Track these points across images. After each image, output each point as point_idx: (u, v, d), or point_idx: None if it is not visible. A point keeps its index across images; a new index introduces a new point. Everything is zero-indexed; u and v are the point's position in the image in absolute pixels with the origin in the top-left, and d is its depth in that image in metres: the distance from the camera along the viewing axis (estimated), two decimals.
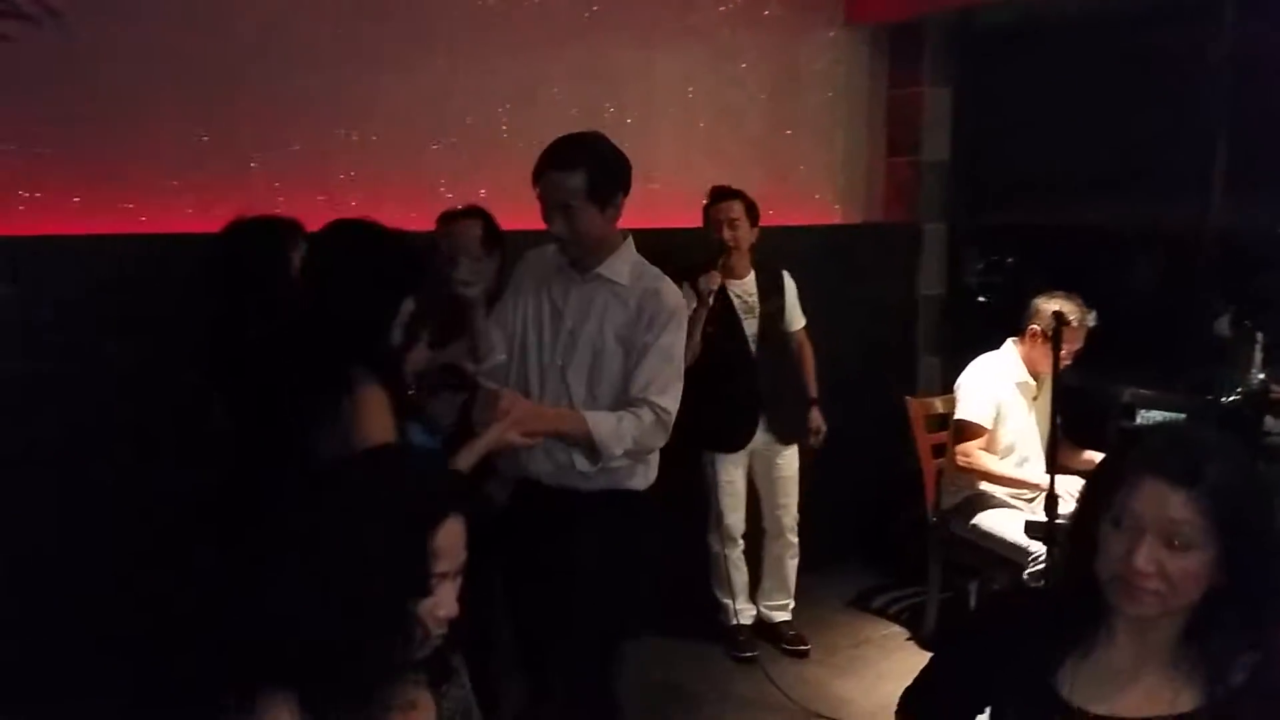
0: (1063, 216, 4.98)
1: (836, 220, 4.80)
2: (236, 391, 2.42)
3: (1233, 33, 4.01)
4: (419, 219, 3.36)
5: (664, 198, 4.04)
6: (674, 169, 4.10)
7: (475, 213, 3.08)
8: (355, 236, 2.13)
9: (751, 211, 3.71)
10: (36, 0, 2.34)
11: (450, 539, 1.34)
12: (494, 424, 2.17)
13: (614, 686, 2.59)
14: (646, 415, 2.35)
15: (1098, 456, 3.58)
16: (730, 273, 3.68)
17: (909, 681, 1.72)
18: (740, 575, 3.91)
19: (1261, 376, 4.42)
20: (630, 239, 2.52)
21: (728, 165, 4.21)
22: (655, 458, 2.55)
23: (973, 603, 4.01)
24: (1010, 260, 5.23)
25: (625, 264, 2.47)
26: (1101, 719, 1.39)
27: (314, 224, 3.02)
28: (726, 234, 3.64)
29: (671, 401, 2.39)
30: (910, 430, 4.01)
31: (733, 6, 4.29)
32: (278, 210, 3.03)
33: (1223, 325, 4.38)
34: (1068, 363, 3.53)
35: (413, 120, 3.41)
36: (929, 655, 1.79)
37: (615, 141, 2.44)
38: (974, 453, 3.68)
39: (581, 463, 2.37)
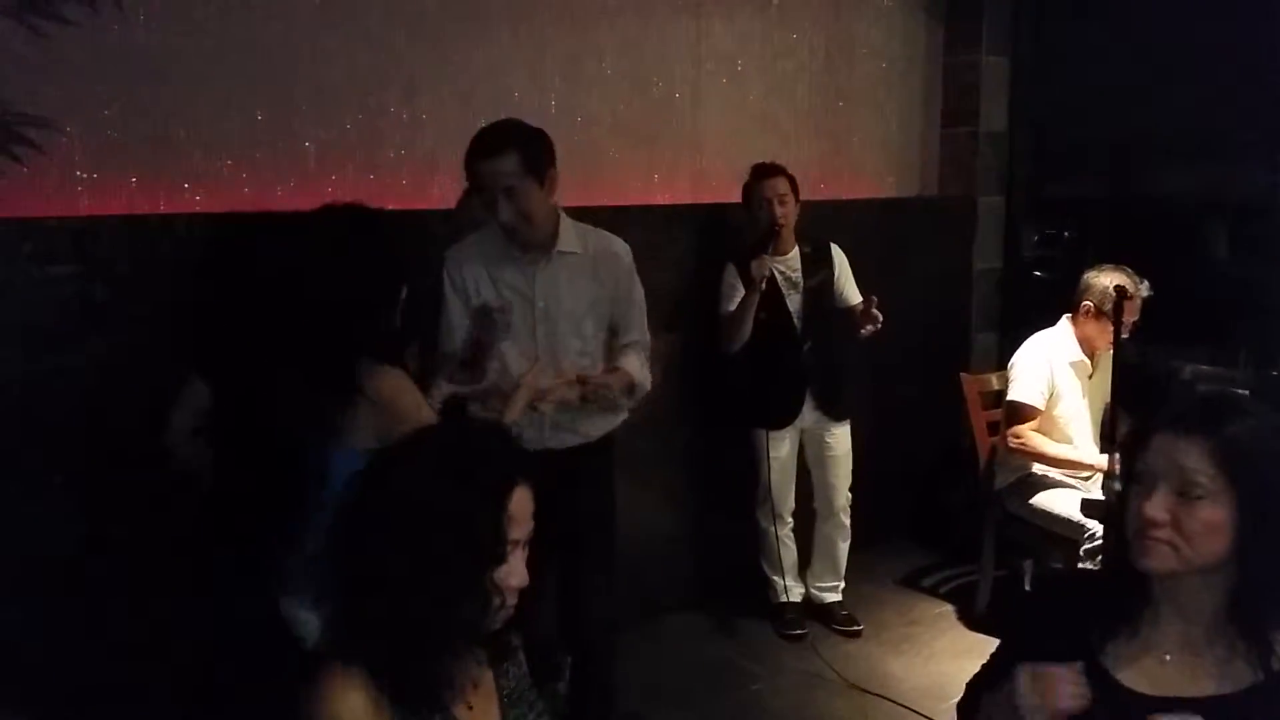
0: (1124, 188, 4.87)
1: (890, 194, 4.73)
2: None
3: None
4: None
5: (714, 172, 4.01)
6: (724, 143, 4.06)
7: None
8: (350, 223, 2.12)
9: (794, 186, 3.67)
10: None
11: (521, 506, 1.36)
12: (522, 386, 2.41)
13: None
14: (640, 352, 2.77)
15: None
16: (774, 249, 3.64)
17: (960, 660, 1.72)
18: (789, 553, 3.89)
19: None
20: (562, 211, 2.69)
21: (778, 138, 4.17)
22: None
23: (1027, 582, 3.96)
24: (1068, 234, 5.14)
25: (572, 234, 2.66)
26: (1149, 698, 1.38)
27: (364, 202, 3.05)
28: (777, 211, 3.60)
29: (648, 337, 2.83)
30: (964, 407, 3.96)
31: None
32: (330, 189, 3.08)
33: None
34: (1125, 336, 3.46)
35: (462, 97, 3.41)
36: (980, 635, 1.78)
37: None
38: (1027, 434, 3.62)
39: (624, 402, 2.74)
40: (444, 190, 3.34)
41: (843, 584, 3.97)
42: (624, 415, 2.86)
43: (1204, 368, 4.13)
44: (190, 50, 2.88)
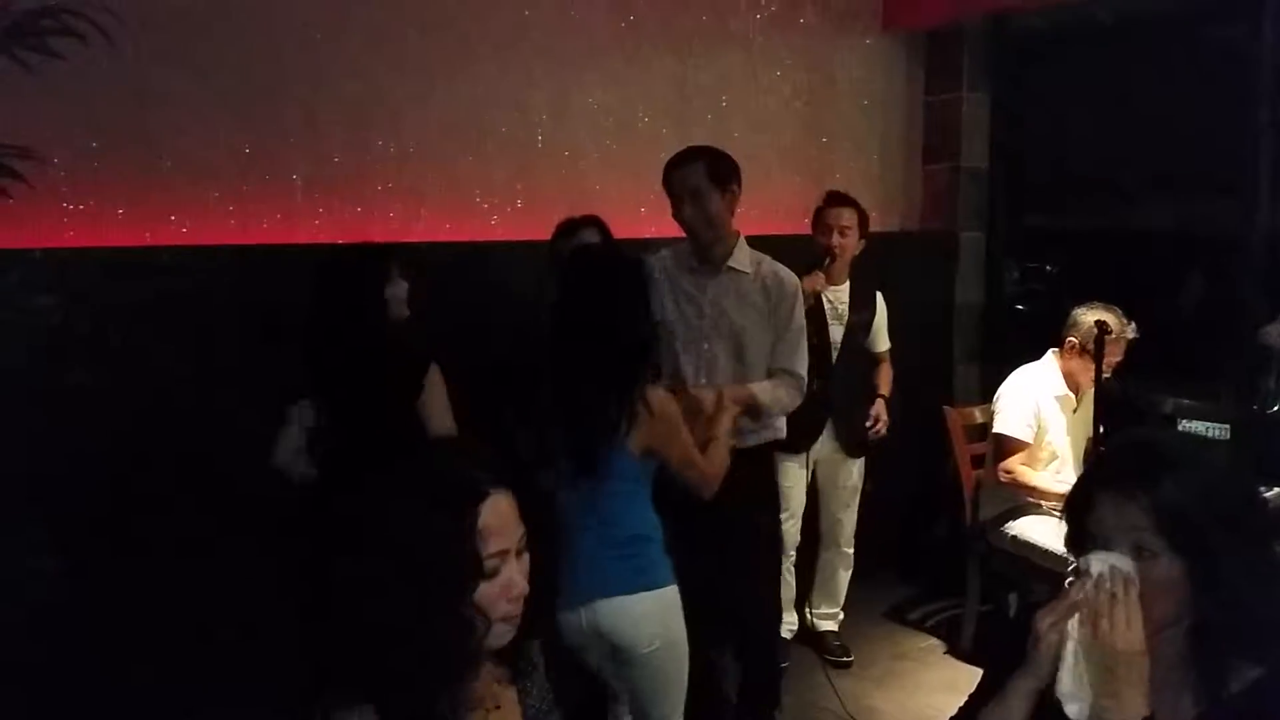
0: (1103, 223, 4.93)
1: (874, 228, 4.76)
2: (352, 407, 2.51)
3: (1274, 31, 3.95)
4: (454, 230, 3.39)
5: None
6: None
7: (592, 221, 3.19)
8: (622, 262, 2.45)
9: (864, 222, 3.74)
10: (86, 18, 2.39)
11: (498, 516, 1.31)
12: (713, 417, 2.51)
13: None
14: (790, 381, 2.92)
15: None
16: (828, 278, 3.67)
17: (945, 694, 1.72)
18: (788, 589, 3.86)
19: None
20: (743, 237, 2.96)
21: (762, 173, 4.19)
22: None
23: (1012, 615, 3.96)
24: (1049, 268, 5.20)
25: (746, 255, 2.94)
26: None
27: (351, 235, 3.07)
28: (835, 240, 3.65)
29: (805, 368, 2.96)
30: (948, 440, 3.98)
31: (768, 15, 4.28)
32: (317, 222, 3.08)
33: (1271, 334, 4.31)
34: (1106, 375, 3.49)
35: (449, 131, 3.43)
36: (965, 668, 1.78)
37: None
38: (1016, 468, 3.63)
39: (745, 422, 2.80)
40: (430, 223, 3.36)
41: (841, 614, 3.98)
42: (761, 432, 2.97)
43: (1185, 402, 4.17)
44: (177, 83, 2.90)
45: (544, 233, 3.20)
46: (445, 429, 2.54)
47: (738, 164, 2.89)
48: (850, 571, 3.96)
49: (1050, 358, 3.74)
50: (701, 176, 2.81)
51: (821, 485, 3.86)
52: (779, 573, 3.50)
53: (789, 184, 4.34)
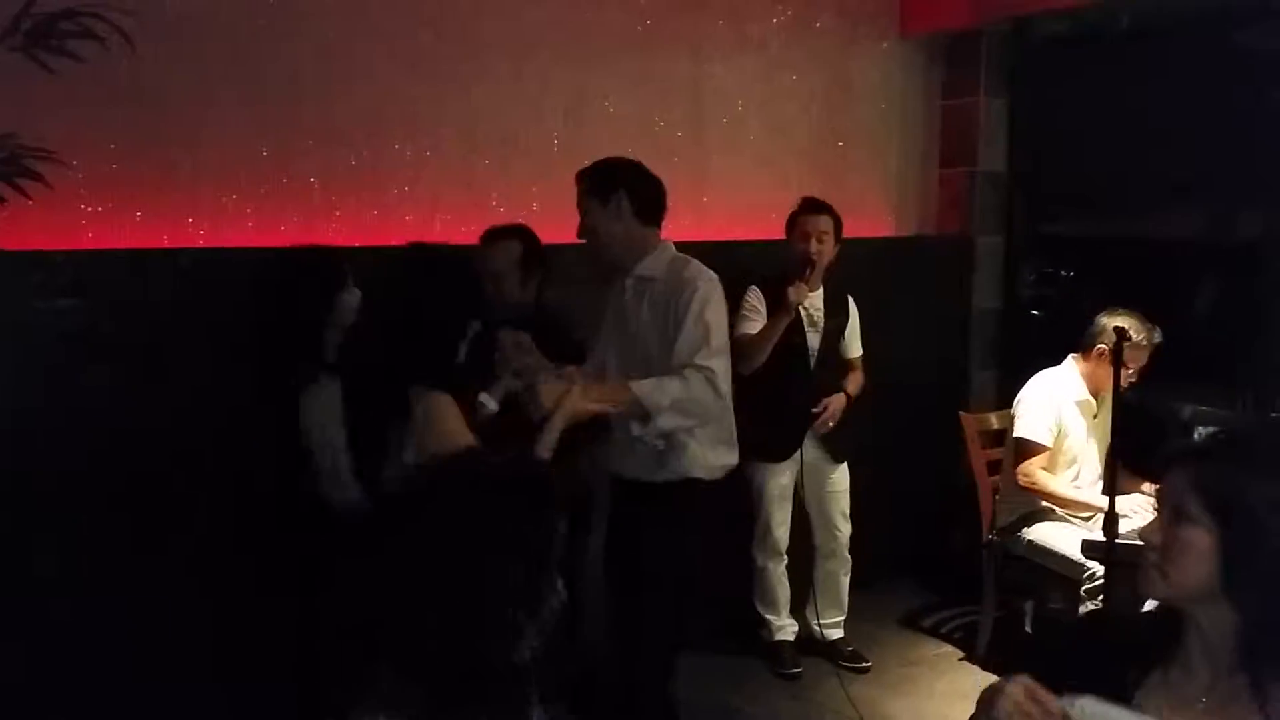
0: (1121, 229, 4.89)
1: (889, 233, 4.76)
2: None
3: None
4: (470, 234, 3.39)
5: (715, 210, 4.04)
6: (725, 182, 4.09)
7: (515, 231, 3.08)
8: (430, 260, 2.38)
9: (838, 226, 3.69)
10: (106, 21, 2.40)
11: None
12: (556, 407, 2.39)
13: (672, 690, 2.84)
14: (691, 376, 2.56)
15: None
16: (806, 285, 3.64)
17: (961, 702, 1.71)
18: (784, 590, 3.88)
19: None
20: (669, 244, 2.79)
21: (779, 178, 4.20)
22: (726, 444, 2.79)
23: (1027, 623, 3.93)
24: (1066, 273, 5.16)
25: (661, 263, 2.75)
26: None
27: (368, 239, 3.08)
28: (814, 247, 3.61)
29: (715, 362, 2.59)
30: (964, 446, 3.96)
31: (785, 19, 4.28)
32: (334, 225, 3.10)
33: None
34: (1132, 381, 3.47)
35: (466, 135, 3.44)
36: (982, 674, 1.77)
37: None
38: (1035, 472, 3.61)
39: (636, 427, 2.57)
40: (446, 226, 3.37)
41: (844, 618, 3.96)
42: (686, 464, 2.70)
43: (1203, 409, 4.14)
44: (196, 86, 2.91)
45: (561, 236, 3.20)
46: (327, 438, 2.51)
47: (633, 167, 2.76)
48: (849, 576, 3.93)
49: (1070, 363, 3.71)
50: (582, 193, 2.74)
51: (809, 493, 3.84)
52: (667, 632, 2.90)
53: (805, 189, 4.32)
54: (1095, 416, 3.68)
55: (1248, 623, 1.33)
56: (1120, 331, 3.19)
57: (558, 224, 3.26)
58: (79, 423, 2.63)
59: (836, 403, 3.74)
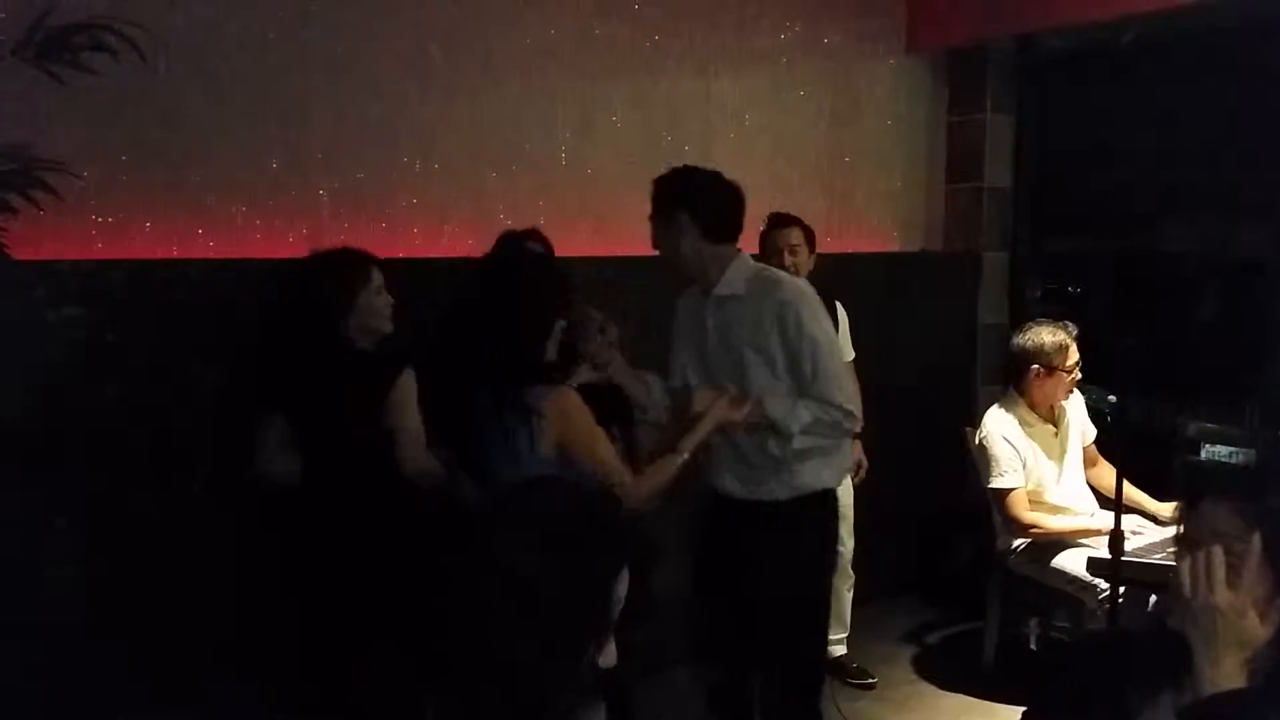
0: (1126, 244, 4.90)
1: (895, 248, 4.77)
2: (315, 421, 2.54)
3: None
4: (477, 245, 3.39)
5: None
6: None
7: (531, 234, 3.05)
8: (520, 259, 2.48)
9: (810, 238, 3.68)
10: (118, 33, 2.41)
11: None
12: (705, 413, 2.45)
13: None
14: (825, 409, 2.55)
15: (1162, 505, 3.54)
16: None
17: (966, 718, 1.70)
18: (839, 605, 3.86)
19: None
20: (746, 256, 2.68)
21: (786, 193, 4.20)
22: (843, 456, 2.77)
23: (1032, 641, 3.92)
24: (1072, 289, 5.16)
25: (740, 279, 2.63)
26: None
27: (375, 251, 3.08)
28: (787, 260, 3.60)
29: (841, 395, 2.57)
30: (969, 461, 3.95)
31: (792, 35, 4.29)
32: (343, 237, 3.10)
33: None
34: (1078, 380, 3.58)
35: (474, 149, 3.45)
36: (986, 692, 1.76)
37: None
38: (1024, 516, 3.60)
39: (773, 446, 2.56)
40: (453, 239, 3.38)
41: (847, 634, 3.94)
42: (812, 470, 2.65)
43: (1209, 425, 4.13)
44: (207, 99, 2.92)
45: (568, 249, 3.20)
46: (413, 434, 2.52)
47: (701, 180, 2.65)
48: (853, 592, 3.92)
49: (1012, 395, 3.72)
50: (653, 206, 2.67)
51: None
52: (816, 648, 2.90)
53: (812, 205, 4.33)
54: (1056, 434, 3.68)
55: None
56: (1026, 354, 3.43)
57: (564, 238, 3.27)
58: (88, 433, 2.64)
59: (857, 453, 3.72)
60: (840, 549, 3.82)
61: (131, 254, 2.82)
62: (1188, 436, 4.03)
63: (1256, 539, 1.34)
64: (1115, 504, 3.09)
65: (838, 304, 3.82)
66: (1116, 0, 4.08)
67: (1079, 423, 3.77)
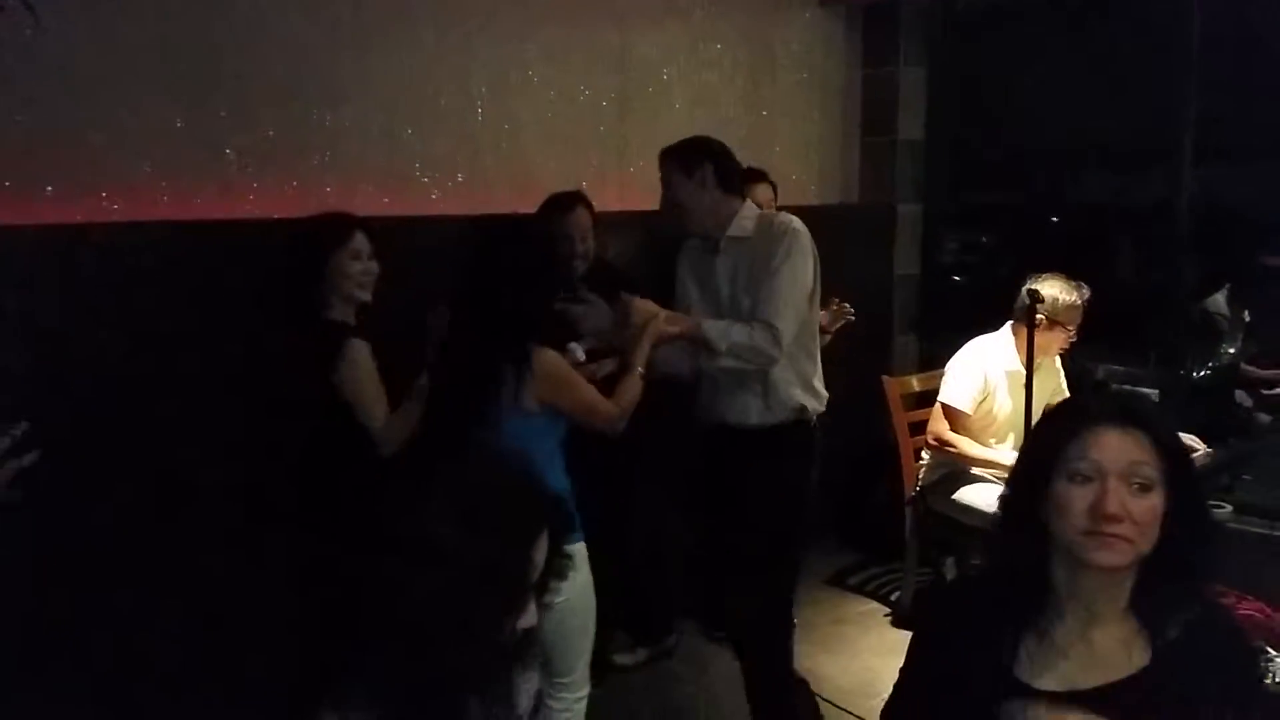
0: (1038, 195, 5.04)
1: (812, 201, 4.82)
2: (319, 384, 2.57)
3: (1201, 5, 4.07)
4: (394, 204, 3.36)
5: (640, 180, 4.04)
6: (650, 152, 4.07)
7: (581, 198, 3.32)
8: (516, 233, 2.55)
9: (775, 192, 3.81)
10: None
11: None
12: (643, 326, 2.63)
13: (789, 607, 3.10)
14: (757, 329, 2.73)
15: None
16: None
17: (886, 658, 1.76)
18: None
19: (1232, 351, 4.51)
20: (752, 204, 2.97)
21: None
22: (801, 388, 2.94)
23: (948, 579, 4.06)
24: (984, 240, 5.30)
25: (750, 221, 2.89)
26: (1057, 694, 1.40)
27: (286, 210, 3.03)
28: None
29: (783, 321, 2.74)
30: (887, 409, 4.05)
31: None
32: (251, 197, 3.03)
33: (1218, 302, 4.46)
34: (1073, 340, 3.62)
35: (387, 104, 3.39)
36: (906, 632, 1.80)
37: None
38: (943, 433, 3.73)
39: (705, 359, 2.77)
40: (367, 198, 3.32)
41: None
42: (786, 407, 2.89)
43: (1116, 368, 4.30)
44: (105, 56, 2.82)
45: (485, 207, 3.19)
46: (367, 408, 2.59)
47: (715, 143, 2.92)
48: None
49: (1007, 330, 3.74)
50: (667, 169, 2.90)
51: None
52: (782, 595, 3.11)
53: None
54: (1025, 383, 3.77)
55: (1167, 571, 1.39)
56: (1034, 294, 3.29)
57: (482, 195, 3.25)
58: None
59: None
60: None
61: (32, 219, 2.73)
62: (1097, 380, 4.19)
63: (1156, 493, 1.37)
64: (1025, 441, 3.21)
65: None
66: None
67: (1054, 381, 3.80)
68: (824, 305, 3.71)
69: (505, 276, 2.41)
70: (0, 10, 2.34)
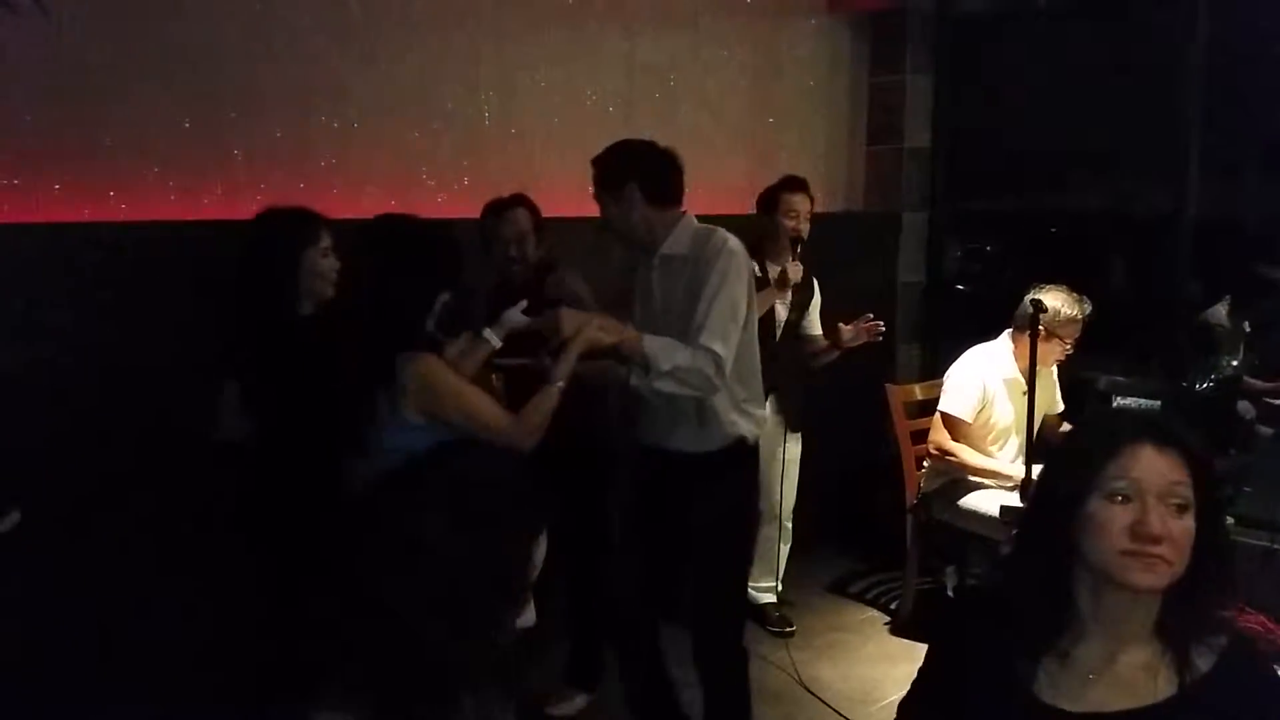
0: (1042, 204, 5.03)
1: (818, 209, 4.81)
2: (261, 385, 2.51)
3: (1208, 17, 4.07)
4: (400, 206, 3.35)
5: None
6: None
7: (520, 200, 3.21)
8: (397, 232, 2.41)
9: (812, 204, 3.86)
10: None
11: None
12: (572, 335, 2.45)
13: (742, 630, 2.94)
14: (699, 354, 2.56)
15: None
16: (780, 257, 3.79)
17: (886, 665, 1.74)
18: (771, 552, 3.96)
19: (1235, 363, 4.50)
20: (689, 215, 2.77)
21: (709, 153, 4.23)
22: (738, 412, 2.79)
23: (949, 589, 4.06)
24: (989, 248, 5.30)
25: (684, 238, 2.72)
26: (1083, 716, 1.38)
27: None
28: (803, 226, 3.75)
29: (725, 349, 2.59)
30: (889, 416, 4.05)
31: None
32: (258, 198, 3.04)
33: (1218, 314, 4.46)
34: (1069, 353, 3.61)
35: (394, 107, 3.41)
36: (905, 640, 1.80)
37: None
38: (944, 442, 3.73)
39: (636, 376, 2.57)
40: (374, 200, 3.33)
41: (779, 586, 4.04)
42: (724, 434, 2.74)
43: (1119, 379, 4.29)
44: (115, 57, 2.84)
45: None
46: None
47: (643, 151, 2.71)
48: (790, 545, 4.03)
49: (1005, 339, 3.77)
50: (595, 186, 2.73)
51: (762, 459, 3.89)
52: (734, 605, 2.97)
53: (735, 164, 4.37)
54: (1024, 393, 3.78)
55: (1193, 596, 1.36)
56: (1038, 304, 3.29)
57: (488, 197, 3.25)
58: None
59: (842, 332, 3.87)
60: (780, 500, 3.92)
61: (41, 217, 2.74)
62: (1099, 390, 4.18)
63: (1190, 514, 1.34)
64: (1027, 452, 3.21)
65: (814, 279, 3.95)
66: None
67: (1050, 393, 3.81)
68: (852, 321, 3.77)
69: (379, 277, 2.32)
70: (7, 7, 2.35)
